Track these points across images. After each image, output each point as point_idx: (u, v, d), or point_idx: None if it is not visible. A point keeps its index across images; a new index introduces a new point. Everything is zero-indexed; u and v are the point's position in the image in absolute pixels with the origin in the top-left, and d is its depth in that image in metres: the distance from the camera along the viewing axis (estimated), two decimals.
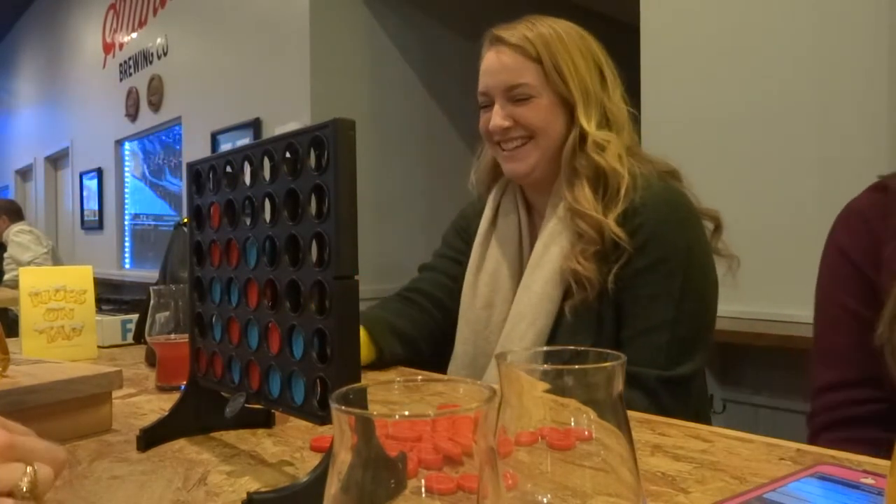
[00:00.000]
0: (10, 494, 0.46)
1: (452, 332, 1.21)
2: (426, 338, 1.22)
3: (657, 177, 1.06)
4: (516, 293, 1.11)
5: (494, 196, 1.21)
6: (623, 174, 1.03)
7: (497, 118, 1.08)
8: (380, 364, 1.13)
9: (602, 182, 1.05)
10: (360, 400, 0.33)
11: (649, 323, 1.00)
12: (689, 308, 1.00)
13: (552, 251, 1.07)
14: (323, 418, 0.56)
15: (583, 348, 0.40)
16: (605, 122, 1.08)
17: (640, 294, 1.01)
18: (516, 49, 1.07)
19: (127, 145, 5.33)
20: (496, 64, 1.09)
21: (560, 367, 0.38)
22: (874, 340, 0.74)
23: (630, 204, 1.02)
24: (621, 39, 1.17)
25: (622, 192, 1.02)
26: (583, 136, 1.06)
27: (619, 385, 0.38)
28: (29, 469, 0.47)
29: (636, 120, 1.13)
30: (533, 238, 1.15)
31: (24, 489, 0.46)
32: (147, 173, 5.23)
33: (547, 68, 1.06)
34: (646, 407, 0.95)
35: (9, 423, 0.51)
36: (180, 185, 4.73)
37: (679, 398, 1.00)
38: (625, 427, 0.38)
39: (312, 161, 0.57)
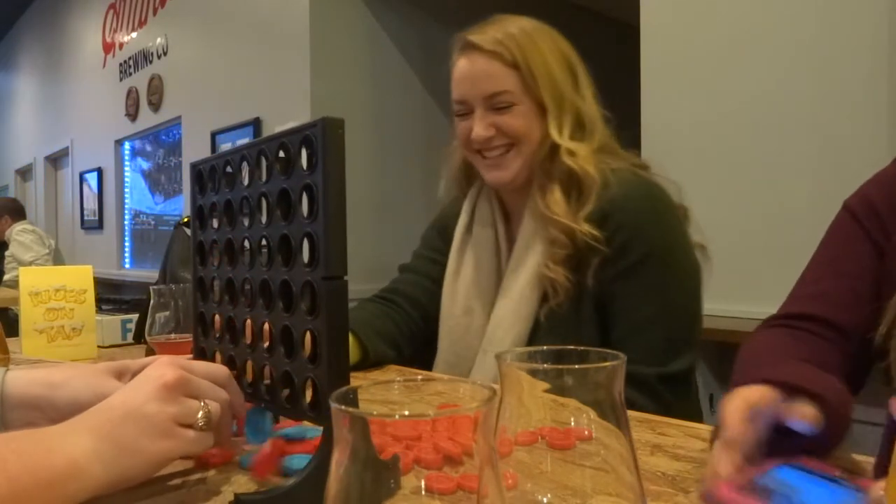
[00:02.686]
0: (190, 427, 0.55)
1: (431, 332, 1.22)
2: (407, 338, 1.22)
3: (631, 172, 1.05)
4: (496, 300, 1.11)
5: (469, 201, 1.21)
6: (594, 175, 1.02)
7: (479, 128, 1.06)
8: (364, 365, 1.12)
9: (575, 185, 1.04)
10: (355, 400, 0.33)
11: (640, 321, 1.00)
12: (677, 302, 1.01)
13: (528, 256, 1.07)
14: (313, 419, 0.56)
15: (582, 348, 0.40)
16: (579, 127, 1.07)
17: (627, 293, 1.01)
18: (493, 55, 1.05)
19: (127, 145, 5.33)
20: (473, 71, 1.07)
21: (560, 367, 0.38)
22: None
23: (606, 203, 1.01)
24: (621, 39, 1.17)
25: (593, 192, 1.02)
26: (555, 143, 1.06)
27: (619, 385, 0.38)
28: (202, 405, 0.55)
29: (609, 120, 1.12)
30: (511, 243, 1.15)
31: (201, 424, 0.54)
32: None
33: (524, 74, 1.04)
34: (647, 406, 0.94)
35: (180, 360, 0.60)
36: None
37: (681, 393, 1.00)
38: (625, 427, 0.38)
39: (304, 160, 0.56)
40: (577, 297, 1.02)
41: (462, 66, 1.08)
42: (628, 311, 1.01)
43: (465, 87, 1.08)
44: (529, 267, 1.06)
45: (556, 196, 1.04)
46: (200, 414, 0.54)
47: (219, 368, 0.63)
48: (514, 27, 1.06)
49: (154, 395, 0.54)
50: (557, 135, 1.05)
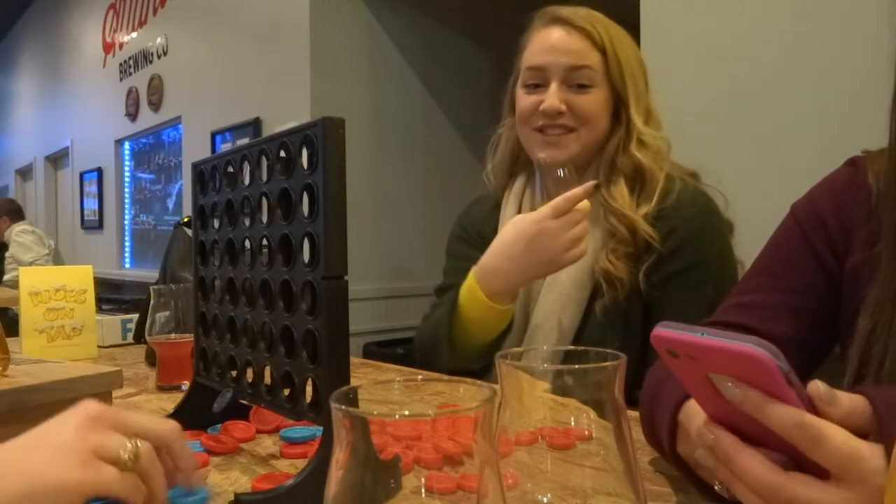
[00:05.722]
0: (114, 464, 0.47)
1: None
2: None
3: (689, 181, 1.06)
4: (541, 291, 1.08)
5: (516, 191, 1.16)
6: (659, 175, 1.03)
7: (554, 98, 1.03)
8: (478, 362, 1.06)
9: (640, 181, 1.04)
10: (355, 400, 0.33)
11: None
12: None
13: None
14: (313, 419, 0.56)
15: (582, 348, 0.40)
16: (651, 125, 1.09)
17: (671, 299, 1.00)
18: (583, 32, 1.04)
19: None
20: (560, 42, 1.05)
21: (560, 367, 0.38)
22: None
23: (665, 205, 1.01)
24: None
25: (657, 191, 1.02)
26: (628, 134, 1.05)
27: (619, 385, 0.38)
28: (130, 443, 0.48)
29: None
30: None
31: (127, 461, 0.47)
32: None
33: (610, 60, 1.04)
34: None
35: (119, 412, 0.52)
36: None
37: None
38: (625, 426, 0.38)
39: (305, 160, 0.56)
40: (632, 294, 1.01)
41: (548, 34, 1.06)
42: (670, 316, 0.99)
43: (548, 56, 1.05)
44: (581, 260, 1.02)
45: (622, 189, 1.03)
46: (128, 447, 0.48)
47: (166, 423, 0.54)
48: (600, 17, 1.07)
49: (75, 424, 0.48)
50: (638, 119, 1.05)
